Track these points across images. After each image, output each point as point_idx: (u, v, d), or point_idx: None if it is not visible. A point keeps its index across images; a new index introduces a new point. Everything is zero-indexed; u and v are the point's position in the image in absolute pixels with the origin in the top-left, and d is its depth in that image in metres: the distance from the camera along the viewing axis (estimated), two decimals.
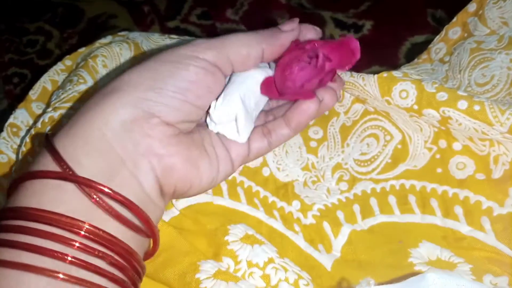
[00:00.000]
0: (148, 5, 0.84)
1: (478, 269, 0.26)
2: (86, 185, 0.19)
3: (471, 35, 0.36)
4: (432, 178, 0.30)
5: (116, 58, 0.41)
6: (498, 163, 0.28)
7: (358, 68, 0.63)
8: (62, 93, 0.35)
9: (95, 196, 0.19)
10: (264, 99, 0.28)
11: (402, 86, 0.30)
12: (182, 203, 0.30)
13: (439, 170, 0.30)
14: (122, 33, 0.48)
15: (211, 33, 0.71)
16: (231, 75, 0.26)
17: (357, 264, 0.29)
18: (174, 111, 0.21)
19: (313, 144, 0.37)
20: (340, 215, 0.31)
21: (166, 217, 0.29)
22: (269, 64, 0.28)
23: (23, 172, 0.20)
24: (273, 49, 0.25)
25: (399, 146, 0.32)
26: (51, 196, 0.19)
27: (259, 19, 0.72)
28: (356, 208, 0.31)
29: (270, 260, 0.27)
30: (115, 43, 0.42)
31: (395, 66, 0.62)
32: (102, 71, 0.40)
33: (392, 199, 0.31)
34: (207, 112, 0.25)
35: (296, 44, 0.27)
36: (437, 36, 0.40)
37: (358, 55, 0.27)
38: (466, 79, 0.33)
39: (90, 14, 0.86)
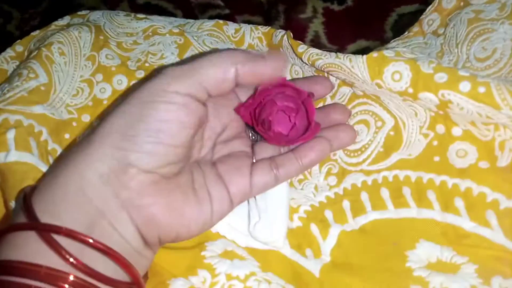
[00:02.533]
0: None
1: (485, 270, 0.23)
2: (68, 235, 0.19)
3: (468, 4, 0.32)
4: (429, 168, 0.27)
5: (75, 44, 0.37)
6: (504, 149, 0.25)
7: (342, 43, 0.59)
8: (8, 90, 0.31)
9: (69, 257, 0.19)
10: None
11: (395, 67, 0.26)
12: None
13: (436, 158, 0.27)
14: (82, 12, 0.43)
15: (186, 9, 0.66)
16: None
17: (349, 268, 0.26)
18: (149, 157, 0.21)
19: None
20: (329, 214, 0.28)
21: None
22: None
23: (4, 226, 0.20)
24: (250, 74, 0.23)
25: (392, 133, 0.29)
26: (34, 248, 0.19)
27: None
28: (346, 204, 0.28)
29: (252, 273, 0.24)
30: (74, 26, 0.38)
31: (382, 40, 0.58)
32: (59, 60, 0.35)
33: (384, 193, 0.28)
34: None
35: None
36: (430, 6, 0.36)
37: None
38: (464, 53, 0.30)
39: None
